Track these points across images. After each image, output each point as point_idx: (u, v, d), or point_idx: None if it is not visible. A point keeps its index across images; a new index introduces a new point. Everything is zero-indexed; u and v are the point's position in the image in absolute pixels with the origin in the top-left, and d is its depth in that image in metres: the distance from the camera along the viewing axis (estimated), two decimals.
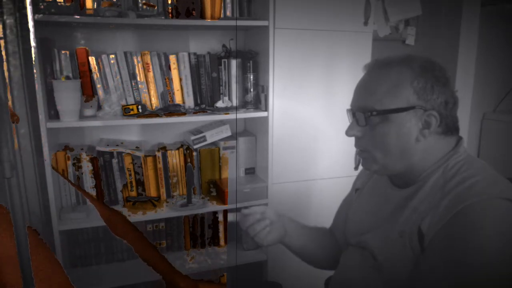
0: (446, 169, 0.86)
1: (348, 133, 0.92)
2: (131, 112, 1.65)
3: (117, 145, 1.78)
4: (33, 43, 1.43)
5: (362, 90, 0.91)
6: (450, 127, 0.88)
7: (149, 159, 1.79)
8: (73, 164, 1.70)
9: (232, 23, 1.73)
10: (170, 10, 1.70)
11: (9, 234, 0.48)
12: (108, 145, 1.76)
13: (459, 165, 0.86)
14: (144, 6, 1.68)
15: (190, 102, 1.80)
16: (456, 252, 0.76)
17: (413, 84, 0.84)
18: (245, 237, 1.92)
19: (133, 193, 1.80)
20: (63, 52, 1.63)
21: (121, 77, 1.70)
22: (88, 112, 1.64)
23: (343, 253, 1.07)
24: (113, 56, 1.68)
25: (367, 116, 0.87)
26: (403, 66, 0.86)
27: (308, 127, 1.84)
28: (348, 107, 0.94)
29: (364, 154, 0.93)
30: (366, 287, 0.93)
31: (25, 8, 1.40)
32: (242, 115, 1.79)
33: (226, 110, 1.79)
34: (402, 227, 0.86)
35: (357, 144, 0.93)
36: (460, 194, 0.80)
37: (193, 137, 1.83)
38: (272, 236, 1.06)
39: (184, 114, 1.71)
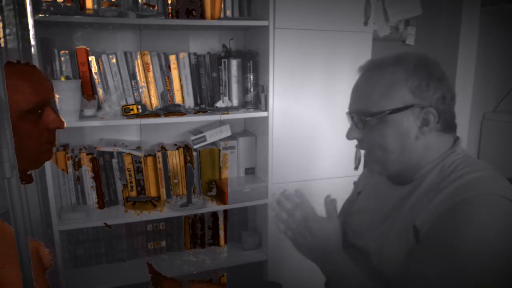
0: (443, 168, 0.87)
1: (348, 136, 0.93)
2: (131, 112, 1.65)
3: (117, 145, 1.78)
4: (33, 43, 1.43)
5: (358, 93, 0.92)
6: (448, 124, 0.88)
7: (149, 159, 1.79)
8: (73, 164, 1.70)
9: (232, 23, 1.73)
10: (170, 10, 1.70)
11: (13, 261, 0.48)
12: (108, 145, 1.76)
13: (457, 163, 0.86)
14: (144, 6, 1.68)
15: (190, 102, 1.80)
16: (449, 242, 0.76)
17: (408, 84, 0.84)
18: (245, 237, 1.93)
19: (133, 193, 1.80)
20: (63, 52, 1.63)
21: (121, 77, 1.70)
22: (88, 112, 1.64)
23: None
24: (113, 56, 1.68)
25: (364, 119, 0.88)
26: (396, 66, 0.86)
27: (308, 127, 1.84)
28: (347, 109, 0.95)
29: (366, 156, 0.94)
30: (367, 287, 0.93)
31: (25, 8, 1.40)
32: (242, 115, 1.79)
33: (226, 110, 1.79)
34: (400, 226, 0.86)
35: (359, 146, 0.94)
36: (457, 188, 0.80)
37: (193, 137, 1.83)
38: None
39: (184, 114, 1.71)
